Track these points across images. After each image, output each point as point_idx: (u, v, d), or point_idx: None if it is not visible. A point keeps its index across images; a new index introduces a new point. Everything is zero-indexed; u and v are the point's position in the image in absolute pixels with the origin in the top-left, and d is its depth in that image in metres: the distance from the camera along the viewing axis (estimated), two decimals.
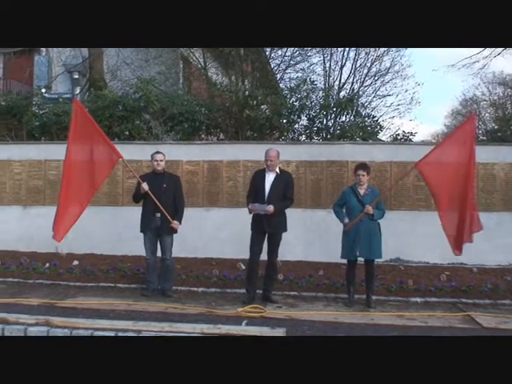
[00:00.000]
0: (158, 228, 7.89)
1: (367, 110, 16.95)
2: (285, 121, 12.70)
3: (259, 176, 7.73)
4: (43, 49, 18.33)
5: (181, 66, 18.09)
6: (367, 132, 12.43)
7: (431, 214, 8.81)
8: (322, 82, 19.77)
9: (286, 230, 7.70)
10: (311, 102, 12.50)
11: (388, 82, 21.90)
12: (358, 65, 21.11)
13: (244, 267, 8.91)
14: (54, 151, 10.52)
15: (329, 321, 6.77)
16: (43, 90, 15.13)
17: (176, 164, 10.48)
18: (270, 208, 7.33)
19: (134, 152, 9.99)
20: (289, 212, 7.77)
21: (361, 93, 19.92)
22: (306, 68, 20.75)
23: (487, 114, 31.73)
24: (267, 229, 7.52)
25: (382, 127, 14.40)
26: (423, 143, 14.22)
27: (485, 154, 9.49)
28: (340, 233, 7.69)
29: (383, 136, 16.34)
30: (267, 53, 19.85)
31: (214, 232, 10.32)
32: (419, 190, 9.93)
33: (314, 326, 6.48)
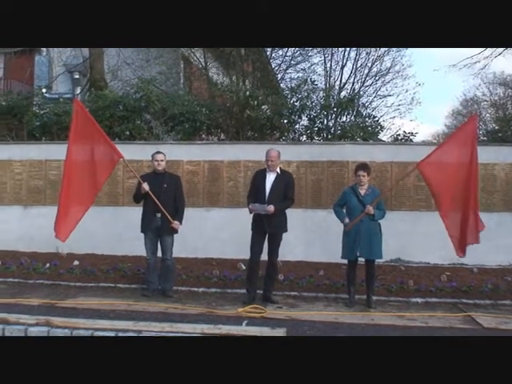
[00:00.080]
0: (158, 228, 7.88)
1: (368, 110, 17.01)
2: (285, 121, 12.70)
3: (260, 176, 7.72)
4: (44, 49, 18.34)
5: (182, 65, 18.09)
6: (368, 132, 12.43)
7: (432, 215, 8.82)
8: (323, 82, 19.84)
9: (286, 230, 7.69)
10: (312, 102, 12.50)
11: (389, 82, 21.99)
12: (358, 65, 21.20)
13: (244, 267, 8.91)
14: (55, 151, 10.53)
15: (329, 321, 6.76)
16: (44, 90, 15.14)
17: (177, 164, 10.47)
18: (271, 208, 7.33)
19: (134, 152, 9.98)
20: (289, 212, 7.77)
21: (361, 93, 19.99)
22: (306, 68, 20.81)
23: (488, 115, 31.72)
24: (268, 229, 7.51)
25: (382, 127, 14.43)
26: (424, 143, 14.26)
27: (485, 155, 9.48)
28: (340, 233, 7.68)
29: (384, 136, 16.39)
30: (268, 53, 19.88)
31: (214, 232, 10.32)
32: (420, 190, 9.93)
33: (314, 326, 6.48)
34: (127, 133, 11.82)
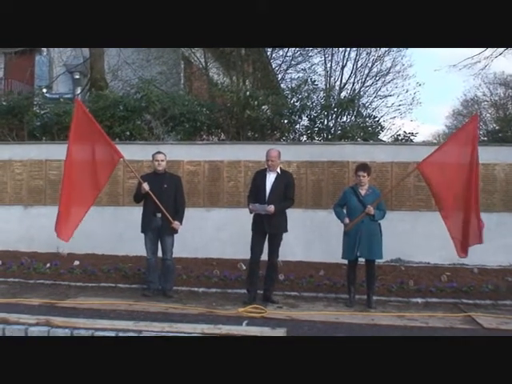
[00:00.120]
0: (158, 228, 7.89)
1: (368, 111, 16.98)
2: (286, 121, 12.71)
3: (260, 176, 7.72)
4: (44, 49, 18.31)
5: (182, 66, 18.08)
6: (368, 132, 12.44)
7: (432, 215, 8.83)
8: (323, 83, 19.83)
9: (286, 230, 7.69)
10: (312, 103, 12.51)
11: (389, 83, 21.97)
12: (359, 65, 21.19)
13: (245, 267, 8.91)
14: (55, 151, 10.53)
15: (329, 321, 6.77)
16: (44, 90, 15.12)
17: (177, 164, 10.48)
18: (271, 208, 7.33)
19: (134, 152, 9.99)
20: (289, 212, 7.77)
21: (362, 93, 20.00)
22: (307, 68, 20.79)
23: (488, 115, 31.76)
24: (268, 229, 7.52)
25: (383, 127, 14.44)
26: (424, 143, 14.26)
27: (485, 155, 9.46)
28: (341, 233, 7.68)
29: (384, 136, 16.37)
30: (268, 53, 19.87)
31: (214, 232, 10.32)
32: (420, 190, 9.92)
33: (314, 326, 6.48)
34: (127, 133, 11.81)
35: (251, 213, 7.61)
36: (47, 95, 15.16)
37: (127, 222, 9.71)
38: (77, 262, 9.56)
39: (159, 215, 7.83)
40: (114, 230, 10.32)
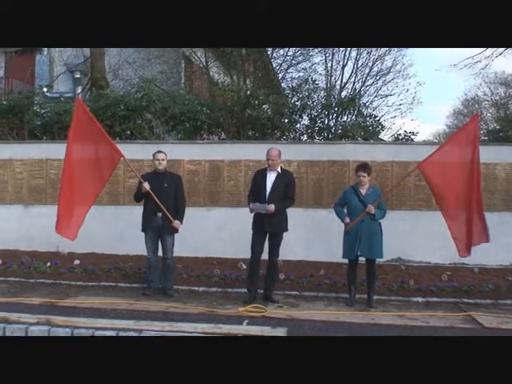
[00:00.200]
0: (159, 227, 7.89)
1: (369, 110, 16.98)
2: (286, 120, 12.70)
3: (260, 175, 7.72)
4: (45, 48, 18.33)
5: (182, 65, 18.09)
6: (369, 132, 12.43)
7: (432, 214, 8.84)
8: (324, 82, 19.87)
9: (287, 229, 7.69)
10: (313, 102, 12.50)
11: (390, 82, 22.03)
12: (359, 64, 21.25)
13: (245, 267, 8.92)
14: (56, 150, 10.52)
15: (330, 320, 6.76)
16: (45, 90, 15.16)
17: (177, 163, 10.47)
18: (271, 207, 7.33)
19: (135, 151, 9.99)
20: (290, 212, 7.77)
21: (362, 92, 20.03)
22: (307, 68, 20.81)
23: (489, 114, 31.77)
24: (268, 228, 7.51)
25: (383, 127, 14.42)
26: (425, 143, 14.26)
27: (486, 154, 9.45)
28: (341, 233, 7.68)
29: (385, 136, 16.39)
30: (269, 52, 19.87)
31: (215, 231, 10.32)
32: (420, 189, 9.92)
33: (315, 325, 6.48)
34: (128, 132, 11.81)
35: (251, 212, 7.60)
36: (48, 94, 15.20)
37: (128, 222, 9.71)
38: (77, 261, 9.56)
39: (160, 214, 7.83)
40: (115, 230, 10.32)
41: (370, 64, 21.34)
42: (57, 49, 17.79)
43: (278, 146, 8.96)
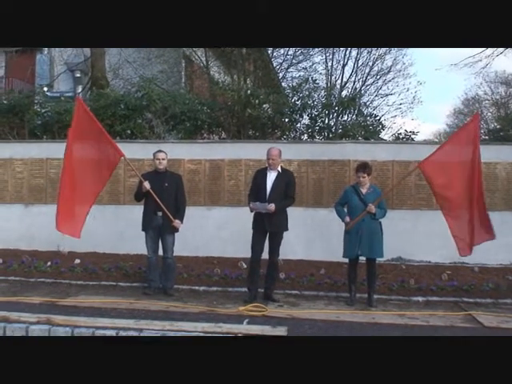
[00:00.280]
0: (159, 227, 7.90)
1: (369, 109, 16.99)
2: (287, 120, 12.70)
3: (261, 175, 7.72)
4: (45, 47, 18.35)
5: (183, 64, 18.10)
6: (369, 131, 12.42)
7: (433, 213, 8.85)
8: (324, 81, 19.85)
9: (287, 228, 7.69)
10: (313, 101, 12.50)
11: (390, 81, 22.02)
12: (359, 64, 21.24)
13: (245, 266, 8.92)
14: (56, 150, 10.49)
15: (330, 320, 6.76)
16: (45, 89, 15.16)
17: (178, 163, 10.48)
18: (272, 207, 7.33)
19: (135, 151, 9.99)
20: (290, 211, 7.77)
21: (363, 92, 20.03)
22: (308, 67, 20.85)
23: (489, 114, 31.75)
24: (268, 228, 7.51)
25: (383, 126, 14.39)
26: (425, 142, 14.22)
27: (487, 154, 9.44)
28: (341, 232, 7.68)
29: (385, 135, 16.35)
30: (269, 52, 19.88)
31: (215, 231, 10.32)
32: (421, 189, 9.92)
33: (315, 324, 6.48)
34: (128, 131, 11.81)
35: (252, 211, 7.61)
36: (48, 94, 15.20)
37: (128, 221, 9.71)
38: (78, 261, 9.57)
39: (160, 214, 7.83)
40: (115, 229, 10.32)
41: (371, 63, 21.37)
42: (57, 48, 17.78)
43: (278, 145, 8.96)
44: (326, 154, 10.45)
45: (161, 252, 8.04)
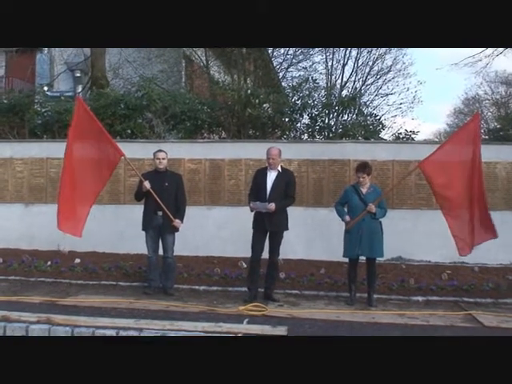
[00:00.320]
0: (159, 226, 7.90)
1: (369, 109, 16.95)
2: (287, 119, 12.70)
3: (261, 174, 7.73)
4: None
5: (183, 64, 18.10)
6: (369, 131, 12.42)
7: (433, 213, 8.84)
8: (324, 81, 19.85)
9: (287, 228, 7.70)
10: (313, 101, 12.50)
11: (390, 81, 22.00)
12: (360, 63, 21.25)
13: (245, 265, 8.92)
14: (56, 149, 10.49)
15: (330, 319, 6.77)
16: (45, 88, 15.13)
17: (178, 162, 10.47)
18: (272, 206, 7.33)
19: (136, 150, 9.99)
20: (290, 210, 7.77)
21: (363, 91, 20.03)
22: (308, 67, 20.84)
23: (489, 113, 31.75)
24: (268, 227, 7.52)
25: (384, 126, 14.39)
26: (425, 142, 14.23)
27: (487, 153, 9.42)
28: (342, 231, 7.68)
29: (385, 135, 16.34)
30: (269, 51, 19.87)
31: (215, 230, 10.32)
32: (421, 188, 9.91)
33: (315, 324, 6.48)
34: (128, 131, 11.81)
35: (252, 211, 7.61)
36: (48, 93, 15.19)
37: (128, 220, 9.71)
38: (78, 260, 9.57)
39: (160, 213, 7.83)
40: (115, 228, 10.32)
41: (371, 63, 21.39)
42: (57, 48, 17.78)
43: (278, 145, 8.95)
44: (326, 153, 10.46)
45: (161, 251, 8.05)
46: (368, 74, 21.41)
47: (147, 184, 7.75)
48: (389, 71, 21.85)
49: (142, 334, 5.63)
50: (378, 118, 13.87)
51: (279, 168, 7.67)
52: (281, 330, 5.82)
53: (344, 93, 18.08)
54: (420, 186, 9.89)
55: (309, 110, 12.43)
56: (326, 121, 12.59)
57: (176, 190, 8.01)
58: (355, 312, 7.22)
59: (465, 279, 8.70)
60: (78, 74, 17.84)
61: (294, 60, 21.12)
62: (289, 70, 21.41)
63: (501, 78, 30.93)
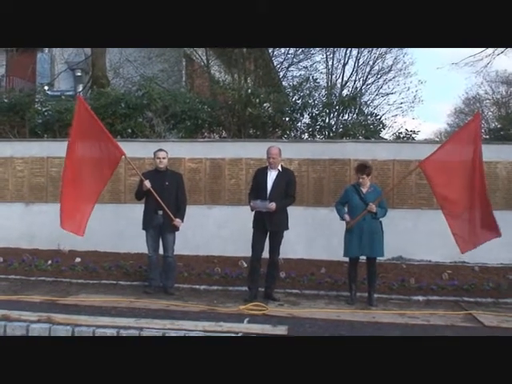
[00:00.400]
0: (160, 225, 7.90)
1: (370, 109, 16.95)
2: (287, 119, 12.70)
3: (261, 173, 7.73)
4: None
5: (183, 63, 18.09)
6: (370, 130, 12.42)
7: (433, 213, 8.84)
8: (325, 80, 19.84)
9: (287, 228, 7.70)
10: (314, 100, 12.51)
11: (391, 80, 21.97)
12: (360, 63, 21.23)
13: (246, 265, 8.93)
14: (57, 148, 10.51)
15: (331, 319, 6.77)
16: (46, 88, 15.13)
17: (178, 162, 10.47)
18: (272, 205, 7.33)
19: (136, 150, 9.99)
20: (291, 210, 7.77)
21: (363, 91, 20.01)
22: (308, 66, 20.83)
23: (490, 113, 31.72)
24: (269, 227, 7.52)
25: (384, 125, 14.39)
26: (426, 141, 14.23)
27: (487, 153, 9.41)
28: (342, 231, 7.68)
29: (386, 134, 16.33)
30: (270, 51, 19.86)
31: (215, 230, 10.32)
32: (422, 188, 9.91)
33: (315, 323, 6.48)
34: (129, 130, 11.82)
35: (252, 210, 7.61)
36: (49, 92, 15.18)
37: (129, 220, 9.72)
38: (78, 259, 9.57)
39: (161, 213, 7.83)
40: (116, 228, 10.33)
41: (371, 62, 21.36)
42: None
43: (278, 144, 8.93)
44: (327, 153, 10.45)
45: (161, 251, 8.05)
46: (368, 73, 21.41)
47: (147, 183, 7.75)
48: (389, 71, 21.86)
49: (142, 333, 5.65)
50: (378, 117, 13.89)
51: (279, 167, 7.67)
52: (281, 330, 5.83)
53: (344, 92, 18.09)
54: (420, 185, 9.88)
55: (309, 110, 12.44)
56: (327, 120, 12.60)
57: (176, 190, 8.00)
58: (356, 311, 7.22)
59: (465, 279, 8.69)
60: (79, 73, 17.84)
61: (294, 59, 21.13)
62: (289, 69, 21.43)
63: (501, 78, 30.91)
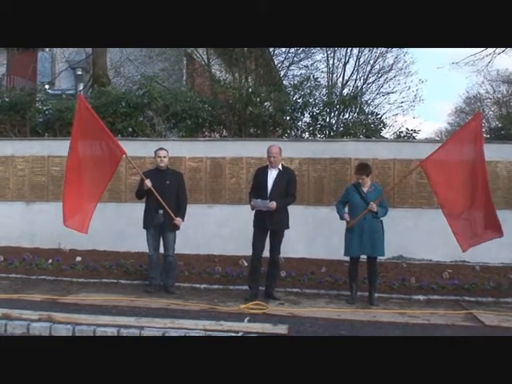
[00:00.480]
0: (160, 224, 7.90)
1: (370, 108, 16.91)
2: (288, 118, 12.69)
3: (262, 172, 7.73)
4: None
5: (184, 62, 18.09)
6: (370, 129, 12.41)
7: (434, 212, 8.84)
8: (326, 79, 19.81)
9: (288, 227, 7.70)
10: (314, 99, 12.51)
11: (391, 79, 21.94)
12: (361, 62, 21.19)
13: (246, 264, 8.93)
14: (58, 147, 10.52)
15: (331, 318, 6.78)
16: (46, 86, 15.13)
17: (179, 161, 10.47)
18: (273, 204, 7.34)
19: (137, 149, 9.99)
20: (291, 209, 7.78)
21: (364, 90, 19.99)
22: (309, 65, 20.80)
23: (491, 112, 31.69)
24: (269, 226, 7.52)
25: (385, 124, 14.35)
26: (426, 141, 14.19)
27: (488, 152, 9.38)
28: (343, 230, 7.68)
29: (386, 133, 16.33)
30: (271, 50, 19.84)
31: (216, 229, 10.33)
32: (422, 187, 9.91)
33: (316, 323, 6.49)
34: (130, 129, 11.82)
35: (253, 209, 7.61)
36: (49, 91, 15.19)
37: (129, 219, 9.73)
38: (79, 258, 9.58)
39: (161, 212, 7.84)
40: (116, 227, 10.34)
41: (372, 62, 21.32)
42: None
43: (279, 143, 8.92)
44: (328, 152, 10.45)
45: (162, 250, 8.05)
46: (369, 72, 21.38)
47: (148, 182, 7.75)
48: (390, 70, 21.82)
49: (142, 332, 5.65)
50: (379, 116, 13.86)
51: (280, 166, 7.67)
52: (281, 329, 5.84)
53: (345, 91, 18.07)
54: (421, 184, 9.89)
55: (310, 109, 12.43)
56: (327, 119, 12.60)
57: (177, 189, 8.01)
58: (356, 311, 7.23)
59: (466, 278, 8.69)
60: (80, 72, 17.83)
61: (295, 58, 21.08)
62: (290, 68, 21.39)
63: (502, 77, 30.86)
